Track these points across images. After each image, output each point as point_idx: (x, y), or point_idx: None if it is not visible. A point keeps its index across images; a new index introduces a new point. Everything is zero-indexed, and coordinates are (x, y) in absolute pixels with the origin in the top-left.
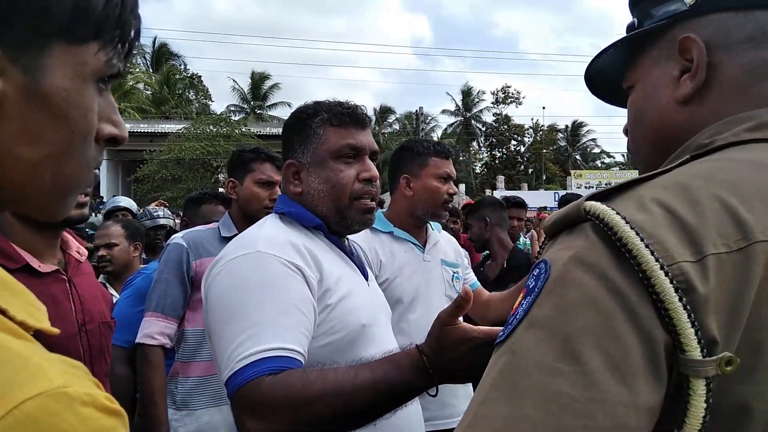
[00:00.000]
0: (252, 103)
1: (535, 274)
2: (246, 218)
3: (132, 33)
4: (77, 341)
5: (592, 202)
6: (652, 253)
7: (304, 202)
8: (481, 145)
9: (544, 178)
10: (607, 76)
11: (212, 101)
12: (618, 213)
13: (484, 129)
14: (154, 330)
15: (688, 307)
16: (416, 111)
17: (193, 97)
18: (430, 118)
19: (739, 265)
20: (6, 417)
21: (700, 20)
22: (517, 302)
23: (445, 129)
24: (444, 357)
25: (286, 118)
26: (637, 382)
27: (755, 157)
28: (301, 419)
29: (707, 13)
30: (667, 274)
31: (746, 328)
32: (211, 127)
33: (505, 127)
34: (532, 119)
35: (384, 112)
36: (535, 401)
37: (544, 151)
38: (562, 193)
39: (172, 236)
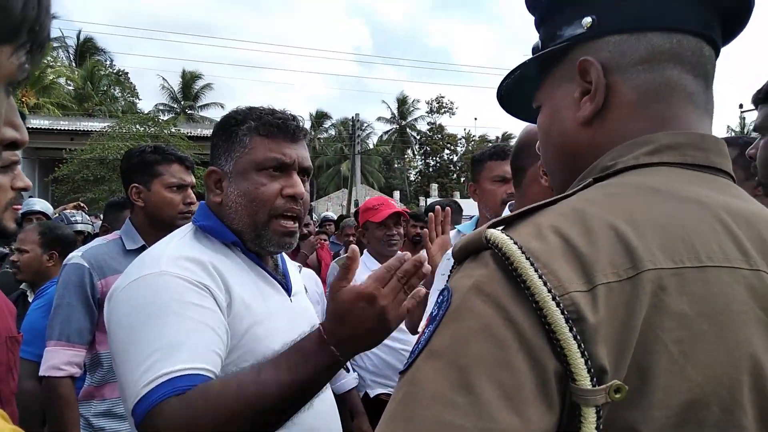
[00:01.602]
0: (182, 102)
1: (439, 301)
2: (157, 226)
3: (45, 35)
4: None
5: (493, 231)
6: (545, 284)
7: (222, 213)
8: (416, 153)
9: None
10: (518, 95)
11: (139, 99)
12: (515, 242)
13: (418, 137)
14: (61, 360)
15: (578, 337)
16: (353, 117)
17: (119, 94)
18: (366, 124)
19: (628, 294)
20: None
21: (597, 42)
22: (421, 331)
23: (381, 136)
24: (344, 322)
25: (218, 119)
26: (528, 411)
27: (651, 182)
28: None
29: (603, 36)
30: (558, 305)
31: (634, 354)
32: (138, 126)
33: (439, 136)
34: (464, 129)
35: (320, 117)
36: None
37: None
38: None
39: (69, 255)
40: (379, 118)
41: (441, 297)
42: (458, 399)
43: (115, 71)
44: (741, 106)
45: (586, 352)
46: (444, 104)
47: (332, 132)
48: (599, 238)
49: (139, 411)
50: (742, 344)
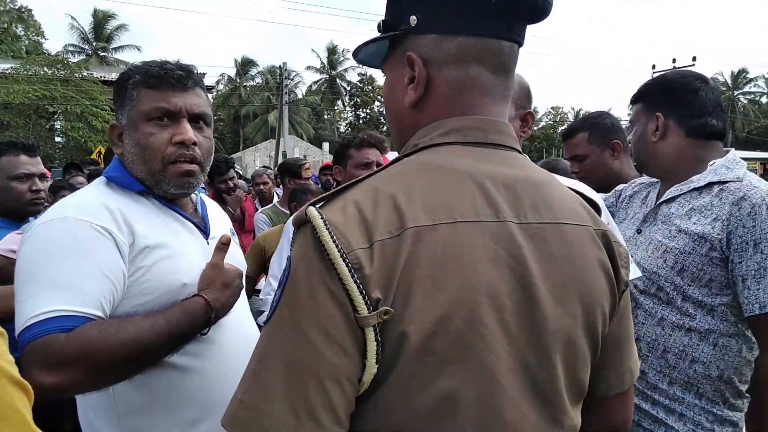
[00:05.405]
0: (94, 44)
1: (284, 267)
2: (5, 214)
3: None
4: None
5: (311, 209)
6: (337, 246)
7: (125, 164)
8: (346, 104)
9: None
10: (368, 52)
11: (45, 39)
12: (323, 217)
13: (348, 88)
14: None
15: (359, 281)
16: (280, 66)
17: (22, 32)
18: (294, 73)
19: (396, 246)
20: None
21: (422, 38)
22: (275, 289)
23: (310, 86)
24: (225, 291)
25: (134, 62)
26: (343, 341)
27: (435, 159)
28: (99, 369)
29: (426, 33)
30: (345, 260)
31: (399, 287)
32: (46, 69)
33: (370, 87)
34: None
35: (246, 64)
36: (285, 369)
37: None
38: None
39: None
40: (308, 67)
41: (286, 262)
42: (301, 345)
43: (16, 7)
44: (654, 66)
45: (364, 291)
46: None
47: (259, 80)
48: (382, 208)
49: (24, 339)
50: (480, 275)
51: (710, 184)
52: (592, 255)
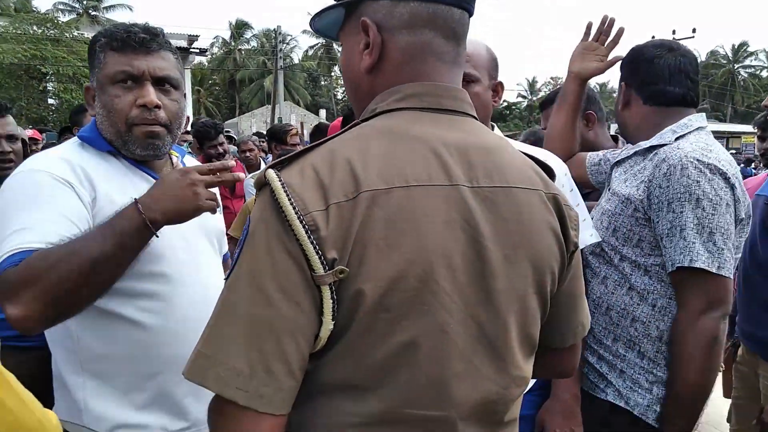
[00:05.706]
0: (85, 2)
1: (245, 226)
2: None
3: None
4: None
5: (270, 171)
6: (294, 208)
7: (97, 125)
8: None
9: None
10: (324, 22)
11: None
12: (281, 179)
13: None
14: None
15: (315, 243)
16: (275, 29)
17: None
18: (290, 37)
19: (350, 209)
20: None
21: (375, 4)
22: (239, 244)
23: (306, 51)
24: (157, 186)
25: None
26: (300, 298)
27: (390, 124)
28: (50, 286)
29: None
30: (302, 222)
31: (354, 248)
32: (35, 28)
33: None
34: None
35: (240, 27)
36: (243, 323)
37: None
38: None
39: None
40: (304, 31)
41: (247, 222)
42: (259, 300)
43: None
44: (653, 37)
45: (320, 251)
46: None
47: (254, 44)
48: (338, 172)
49: None
50: (433, 236)
51: (651, 148)
52: (542, 218)
